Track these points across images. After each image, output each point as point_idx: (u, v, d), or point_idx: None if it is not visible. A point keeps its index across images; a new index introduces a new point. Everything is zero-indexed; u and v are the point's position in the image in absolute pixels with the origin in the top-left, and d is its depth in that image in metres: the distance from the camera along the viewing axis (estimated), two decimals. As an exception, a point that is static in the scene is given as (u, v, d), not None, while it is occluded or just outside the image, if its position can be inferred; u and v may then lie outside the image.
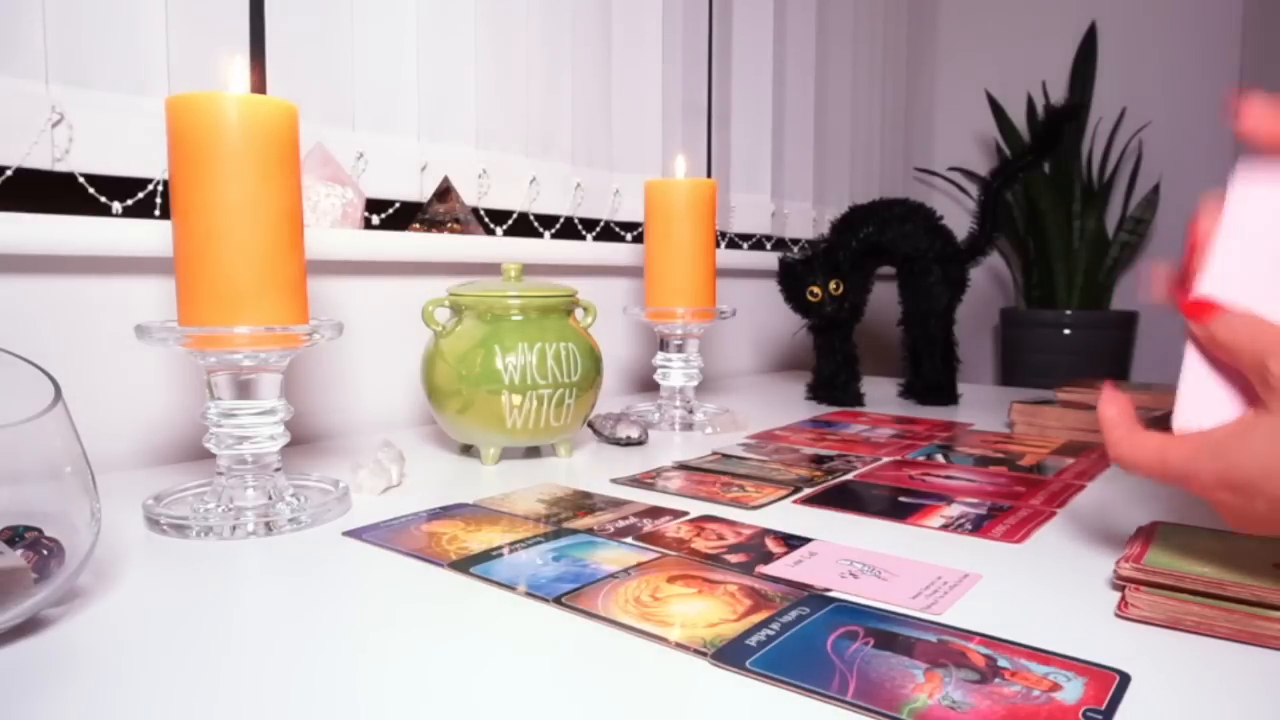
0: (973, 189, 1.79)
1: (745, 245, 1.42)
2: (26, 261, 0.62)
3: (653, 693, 0.31)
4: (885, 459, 0.70)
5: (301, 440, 0.77)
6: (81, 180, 0.66)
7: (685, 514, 0.54)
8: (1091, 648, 0.34)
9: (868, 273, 1.02)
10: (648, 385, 1.15)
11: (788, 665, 0.32)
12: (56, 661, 0.33)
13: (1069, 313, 1.71)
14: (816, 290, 0.97)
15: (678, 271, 0.85)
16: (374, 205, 0.87)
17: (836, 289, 0.97)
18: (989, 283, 1.97)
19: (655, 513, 0.54)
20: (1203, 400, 0.38)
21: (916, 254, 1.01)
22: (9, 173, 0.62)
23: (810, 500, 0.57)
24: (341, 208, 0.79)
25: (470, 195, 0.94)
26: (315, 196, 0.77)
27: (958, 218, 1.26)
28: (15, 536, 0.35)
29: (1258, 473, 0.34)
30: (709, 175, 1.33)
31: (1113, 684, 0.31)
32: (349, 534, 0.49)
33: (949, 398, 1.03)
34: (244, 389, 0.50)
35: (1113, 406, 0.41)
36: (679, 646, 0.34)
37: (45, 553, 0.35)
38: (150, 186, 0.70)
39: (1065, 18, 1.81)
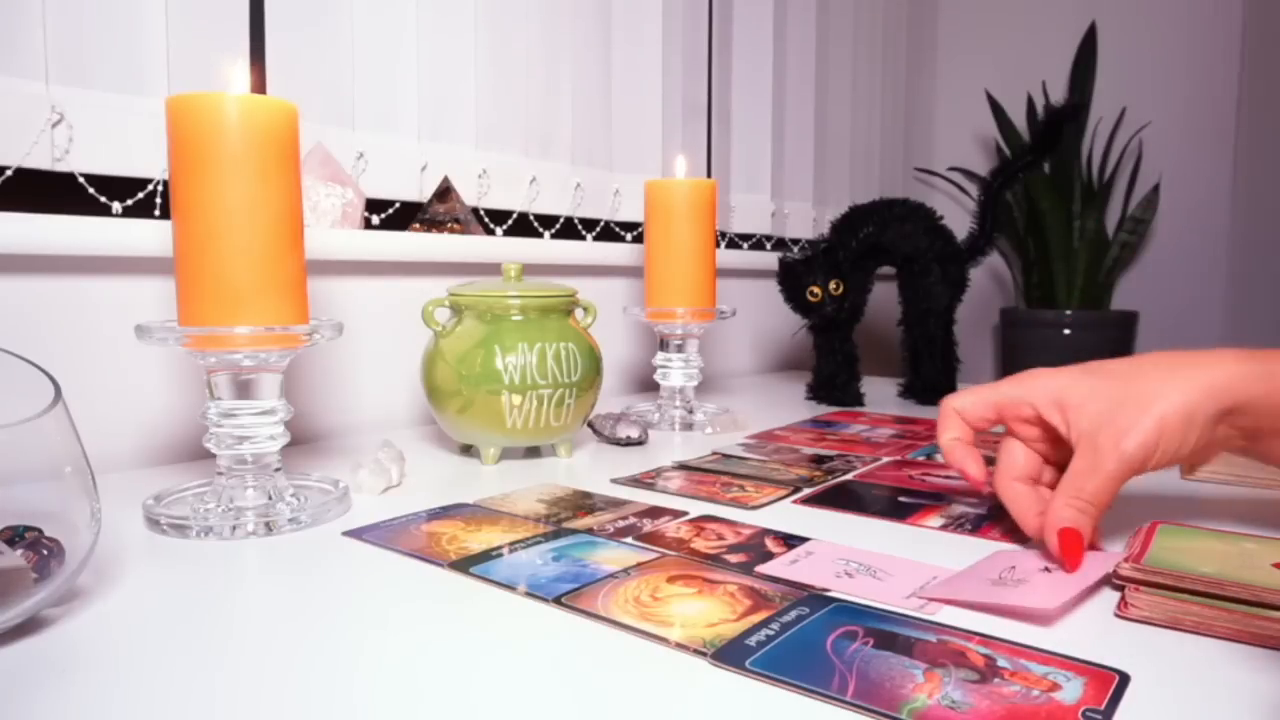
0: (973, 189, 1.78)
1: (745, 245, 1.42)
2: (26, 261, 0.62)
3: (653, 693, 0.31)
4: (885, 459, 0.70)
5: (301, 440, 0.77)
6: (81, 180, 0.66)
7: (685, 514, 0.54)
8: (1091, 647, 0.34)
9: (868, 273, 1.02)
10: (648, 385, 1.15)
11: (787, 665, 0.32)
12: (56, 661, 0.33)
13: (1069, 313, 1.71)
14: (816, 290, 0.97)
15: (678, 271, 0.85)
16: (374, 205, 0.87)
17: (836, 289, 0.97)
18: (989, 283, 1.97)
19: (655, 513, 0.54)
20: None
21: (916, 254, 1.01)
22: (9, 173, 0.62)
23: (810, 500, 0.57)
24: (341, 208, 0.79)
25: (470, 195, 0.94)
26: (315, 196, 0.77)
27: (958, 218, 1.26)
28: (15, 536, 0.35)
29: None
30: (709, 175, 1.33)
31: (1112, 684, 0.31)
32: (349, 534, 0.49)
33: (949, 398, 1.03)
34: (244, 389, 0.50)
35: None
36: (679, 646, 0.34)
37: (45, 553, 0.35)
38: (150, 186, 0.70)
39: (1065, 18, 1.81)
